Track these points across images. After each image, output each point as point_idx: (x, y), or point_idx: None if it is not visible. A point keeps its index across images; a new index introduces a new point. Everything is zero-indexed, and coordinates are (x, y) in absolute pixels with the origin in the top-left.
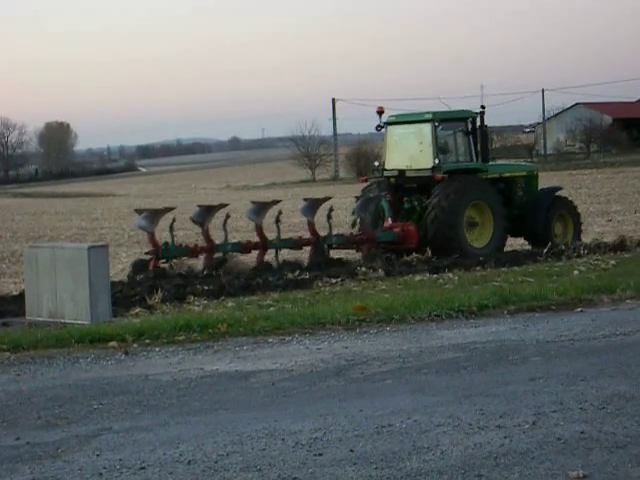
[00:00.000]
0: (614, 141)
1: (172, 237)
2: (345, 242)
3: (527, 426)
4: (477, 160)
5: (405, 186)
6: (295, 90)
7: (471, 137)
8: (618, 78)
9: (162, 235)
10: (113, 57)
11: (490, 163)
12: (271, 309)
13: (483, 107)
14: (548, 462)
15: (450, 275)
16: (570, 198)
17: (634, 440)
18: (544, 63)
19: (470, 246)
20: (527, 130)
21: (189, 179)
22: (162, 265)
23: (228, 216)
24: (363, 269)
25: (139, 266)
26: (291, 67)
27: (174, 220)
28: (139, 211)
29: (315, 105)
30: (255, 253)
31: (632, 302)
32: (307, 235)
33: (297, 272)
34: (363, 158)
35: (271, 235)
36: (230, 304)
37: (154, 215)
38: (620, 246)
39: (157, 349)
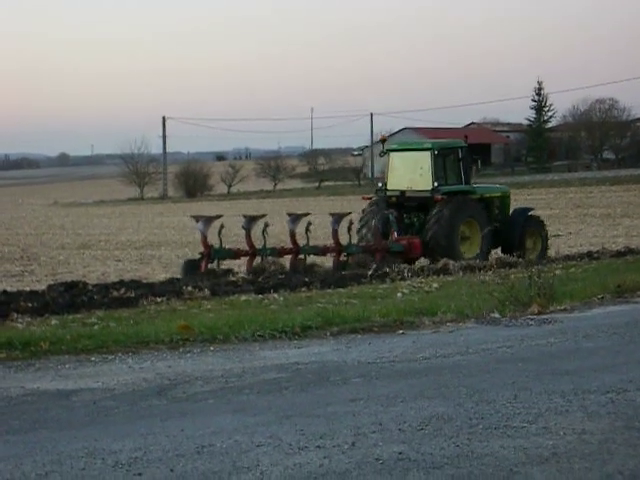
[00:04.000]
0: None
1: (220, 241)
2: (362, 251)
3: (346, 447)
4: (466, 183)
5: (405, 204)
6: (126, 107)
7: (461, 163)
8: (446, 104)
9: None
10: None
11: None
12: (95, 327)
13: (466, 137)
14: None
15: (276, 296)
16: (541, 218)
17: (450, 461)
18: (373, 87)
19: (463, 256)
20: (355, 153)
21: (16, 194)
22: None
23: (267, 225)
24: (189, 288)
25: (190, 265)
26: (122, 83)
27: (222, 226)
28: (196, 217)
29: (146, 122)
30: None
31: (452, 325)
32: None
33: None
34: (192, 177)
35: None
36: (54, 322)
37: (208, 220)
38: (443, 269)
39: None
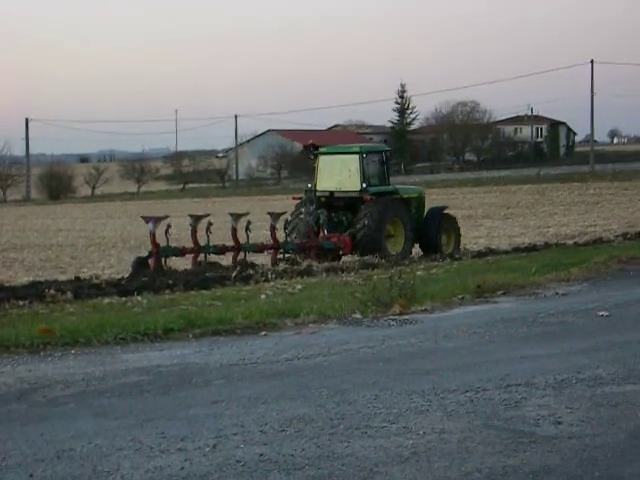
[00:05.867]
0: (304, 167)
1: (167, 240)
2: (298, 248)
3: (208, 449)
4: (388, 184)
5: (333, 204)
6: None
7: (385, 166)
8: (311, 106)
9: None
10: None
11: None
12: None
13: (385, 141)
14: None
15: (139, 298)
16: (454, 215)
17: (311, 462)
18: (237, 89)
19: (389, 252)
20: (220, 155)
21: None
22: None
23: (210, 223)
24: (52, 291)
25: (139, 264)
26: None
27: (169, 226)
28: (146, 218)
29: (9, 124)
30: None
31: (315, 326)
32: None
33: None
34: (56, 179)
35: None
36: None
37: (157, 220)
38: (307, 271)
39: None
